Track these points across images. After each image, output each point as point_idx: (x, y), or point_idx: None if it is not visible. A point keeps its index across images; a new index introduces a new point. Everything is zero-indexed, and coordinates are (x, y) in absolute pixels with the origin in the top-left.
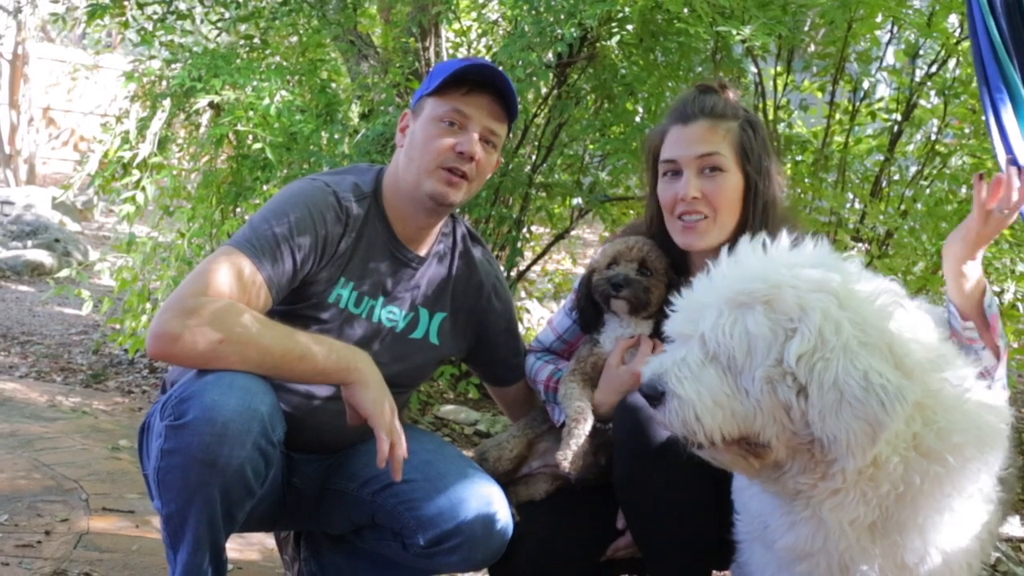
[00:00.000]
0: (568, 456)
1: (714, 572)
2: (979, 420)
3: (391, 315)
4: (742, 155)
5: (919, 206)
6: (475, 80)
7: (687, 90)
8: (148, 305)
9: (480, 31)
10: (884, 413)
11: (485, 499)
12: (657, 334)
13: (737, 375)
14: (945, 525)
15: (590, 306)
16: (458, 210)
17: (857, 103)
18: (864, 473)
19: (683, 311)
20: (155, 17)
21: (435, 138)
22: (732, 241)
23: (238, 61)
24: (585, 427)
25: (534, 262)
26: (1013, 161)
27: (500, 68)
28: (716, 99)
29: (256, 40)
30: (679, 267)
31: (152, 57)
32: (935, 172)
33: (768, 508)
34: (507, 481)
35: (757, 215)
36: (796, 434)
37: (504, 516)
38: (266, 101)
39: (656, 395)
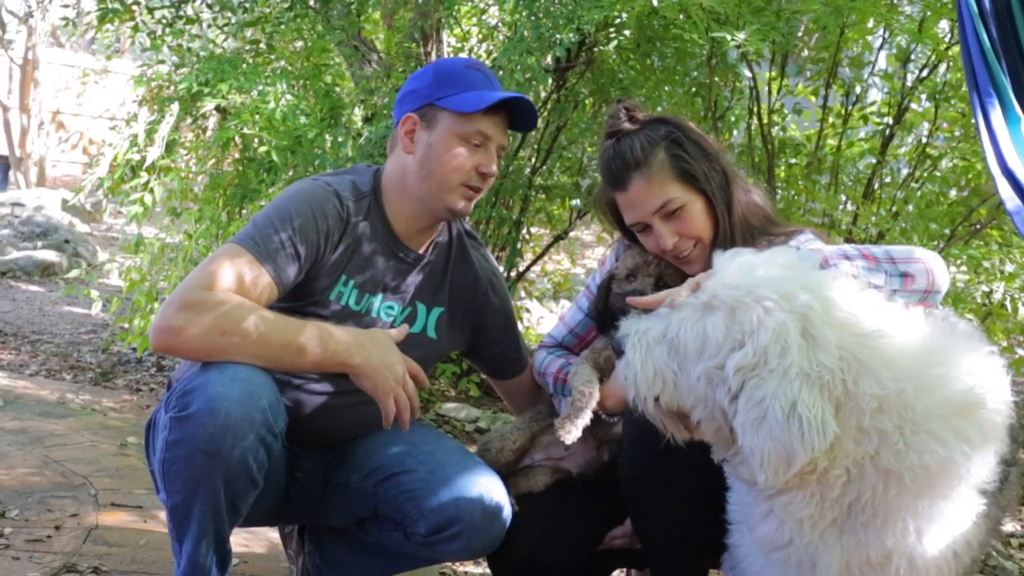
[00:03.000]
0: (566, 427)
1: (711, 571)
2: (958, 436)
3: (389, 310)
4: (687, 179)
5: (910, 208)
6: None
7: (603, 143)
8: (156, 305)
9: (480, 36)
10: (800, 443)
11: (485, 489)
12: None
13: (683, 360)
14: (905, 532)
15: (607, 311)
16: None
17: (850, 107)
18: (808, 477)
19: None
20: (164, 22)
21: (461, 157)
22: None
23: (244, 66)
24: (591, 403)
25: (534, 263)
26: (1003, 166)
27: (517, 92)
28: (631, 141)
29: (262, 45)
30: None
31: (160, 62)
32: (926, 175)
33: (749, 497)
34: (508, 472)
35: (731, 215)
36: (722, 428)
37: (503, 506)
38: (271, 105)
39: (620, 352)
